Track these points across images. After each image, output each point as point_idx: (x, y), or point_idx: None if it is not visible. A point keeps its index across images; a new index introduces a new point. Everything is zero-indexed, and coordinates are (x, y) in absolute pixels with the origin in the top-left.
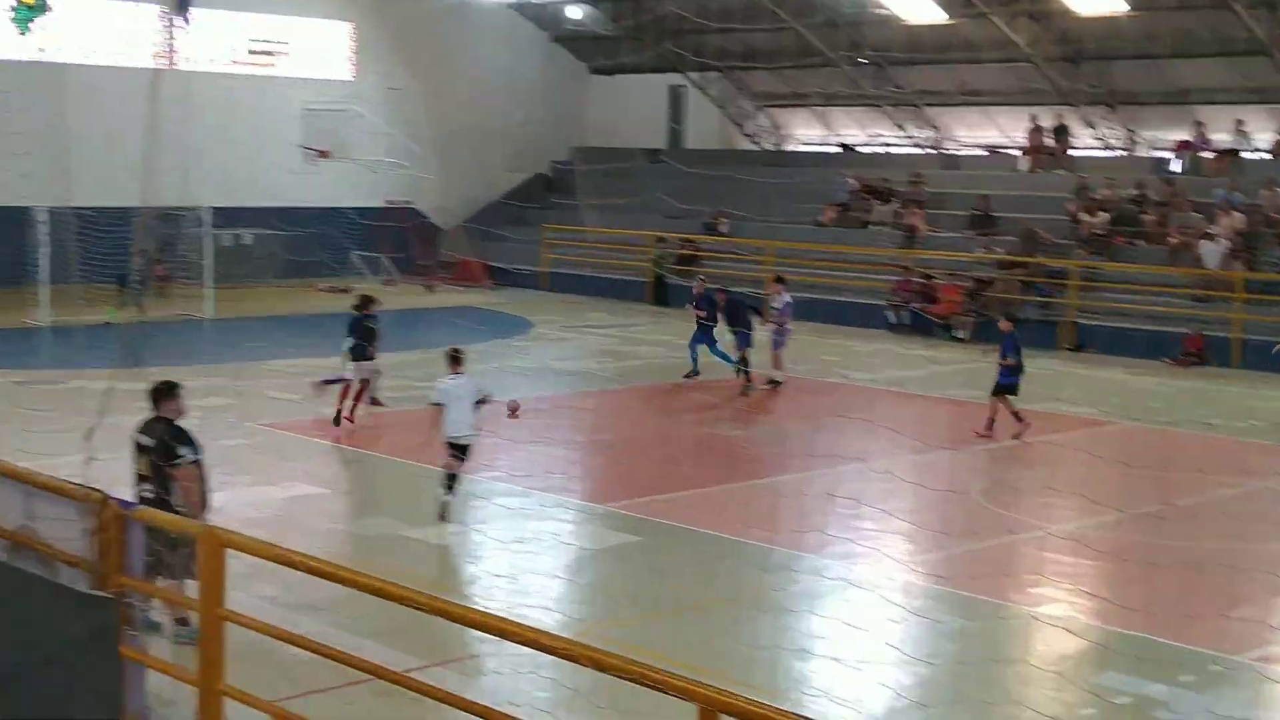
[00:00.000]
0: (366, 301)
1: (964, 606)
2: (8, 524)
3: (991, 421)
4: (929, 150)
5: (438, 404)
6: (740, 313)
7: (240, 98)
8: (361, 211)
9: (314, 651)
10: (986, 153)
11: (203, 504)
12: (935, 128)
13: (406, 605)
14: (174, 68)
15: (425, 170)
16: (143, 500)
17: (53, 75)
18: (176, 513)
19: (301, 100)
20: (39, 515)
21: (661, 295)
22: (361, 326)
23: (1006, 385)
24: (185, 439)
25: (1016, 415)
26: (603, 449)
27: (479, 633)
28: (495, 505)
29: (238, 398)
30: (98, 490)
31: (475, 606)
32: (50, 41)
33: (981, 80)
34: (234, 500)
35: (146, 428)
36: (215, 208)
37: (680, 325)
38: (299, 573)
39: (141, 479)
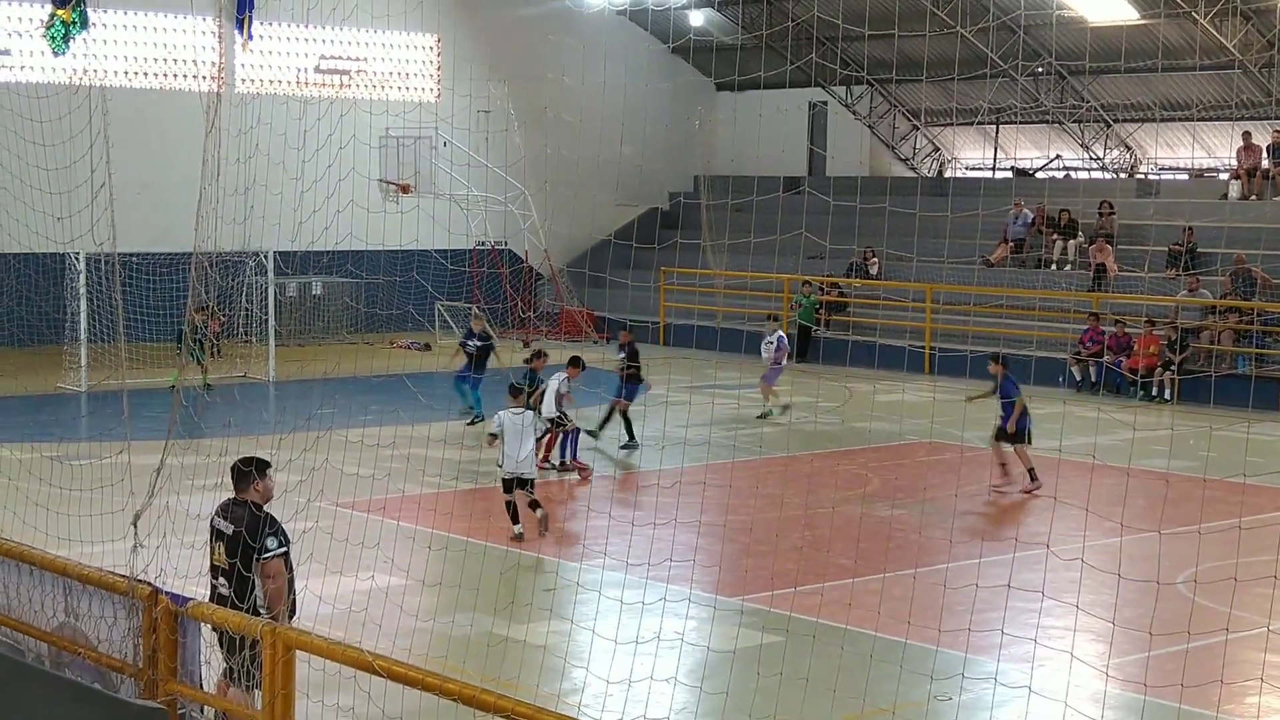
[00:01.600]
0: (537, 355)
1: (1169, 719)
2: (48, 622)
3: (1004, 466)
4: (1120, 175)
5: (493, 435)
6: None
7: (308, 125)
8: (448, 255)
9: None
10: (1189, 177)
11: (289, 606)
12: (1128, 148)
13: (504, 717)
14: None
15: (521, 206)
16: (216, 597)
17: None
18: (256, 612)
19: (379, 127)
20: (82, 612)
21: (805, 349)
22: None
23: (1021, 430)
24: (273, 527)
25: (1004, 467)
26: (734, 532)
27: None
28: (607, 598)
29: (305, 473)
30: (146, 583)
31: (585, 718)
32: (90, 62)
33: (1183, 91)
34: (303, 593)
35: (227, 512)
36: (279, 253)
37: (826, 386)
38: (379, 679)
39: (216, 571)
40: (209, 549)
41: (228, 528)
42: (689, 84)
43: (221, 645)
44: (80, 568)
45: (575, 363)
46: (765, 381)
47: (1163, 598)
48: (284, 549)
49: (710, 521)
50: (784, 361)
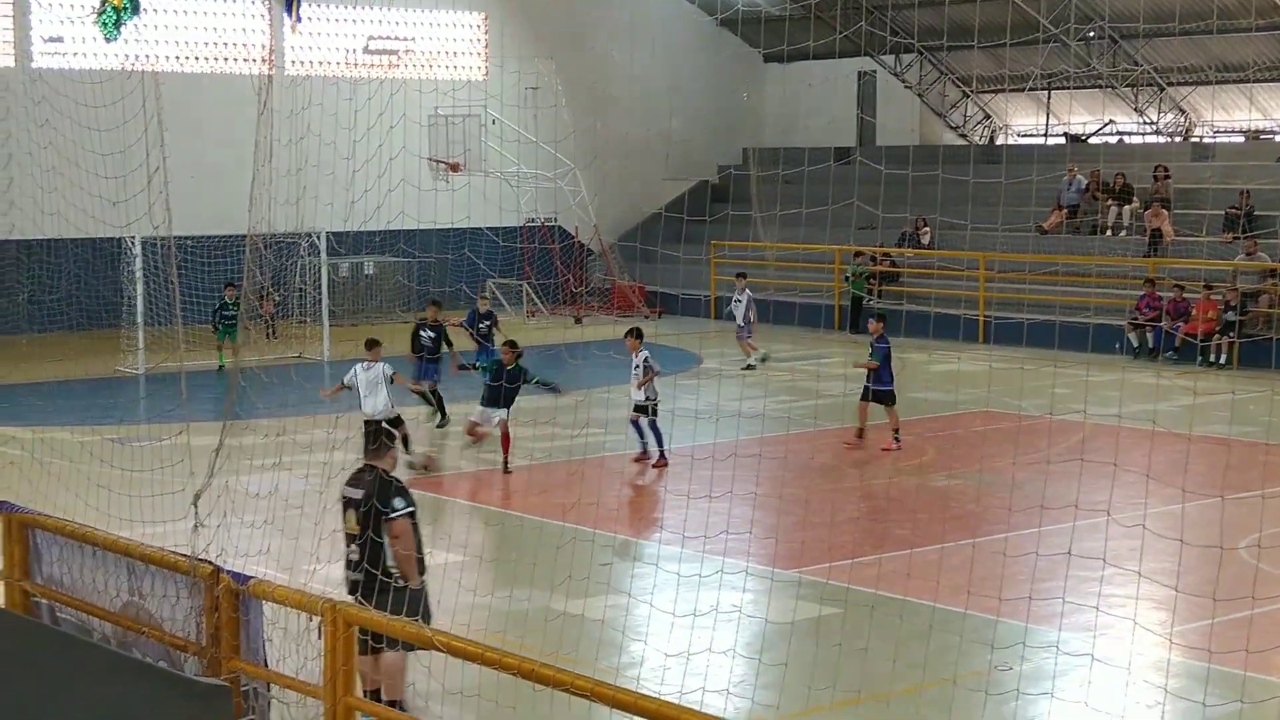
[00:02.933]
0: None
1: (1233, 686)
2: (113, 602)
3: (861, 431)
4: (1175, 139)
5: (346, 385)
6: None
7: (358, 105)
8: (499, 232)
9: None
10: (1245, 139)
11: (418, 564)
12: (1182, 111)
13: (564, 691)
14: (282, 73)
15: (571, 182)
16: (350, 563)
17: (146, 86)
18: (388, 574)
19: (428, 106)
20: (146, 591)
21: (857, 319)
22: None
23: (885, 393)
24: (399, 490)
25: (860, 432)
26: (791, 504)
27: None
28: (665, 572)
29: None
30: (207, 562)
31: (644, 692)
32: (142, 48)
33: (1239, 53)
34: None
35: (355, 479)
36: (332, 233)
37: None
38: (439, 654)
39: (350, 539)
40: (342, 518)
41: (357, 494)
42: (737, 56)
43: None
44: (143, 548)
45: (636, 334)
46: (740, 339)
47: (1225, 564)
48: (410, 509)
49: (766, 494)
50: (754, 318)
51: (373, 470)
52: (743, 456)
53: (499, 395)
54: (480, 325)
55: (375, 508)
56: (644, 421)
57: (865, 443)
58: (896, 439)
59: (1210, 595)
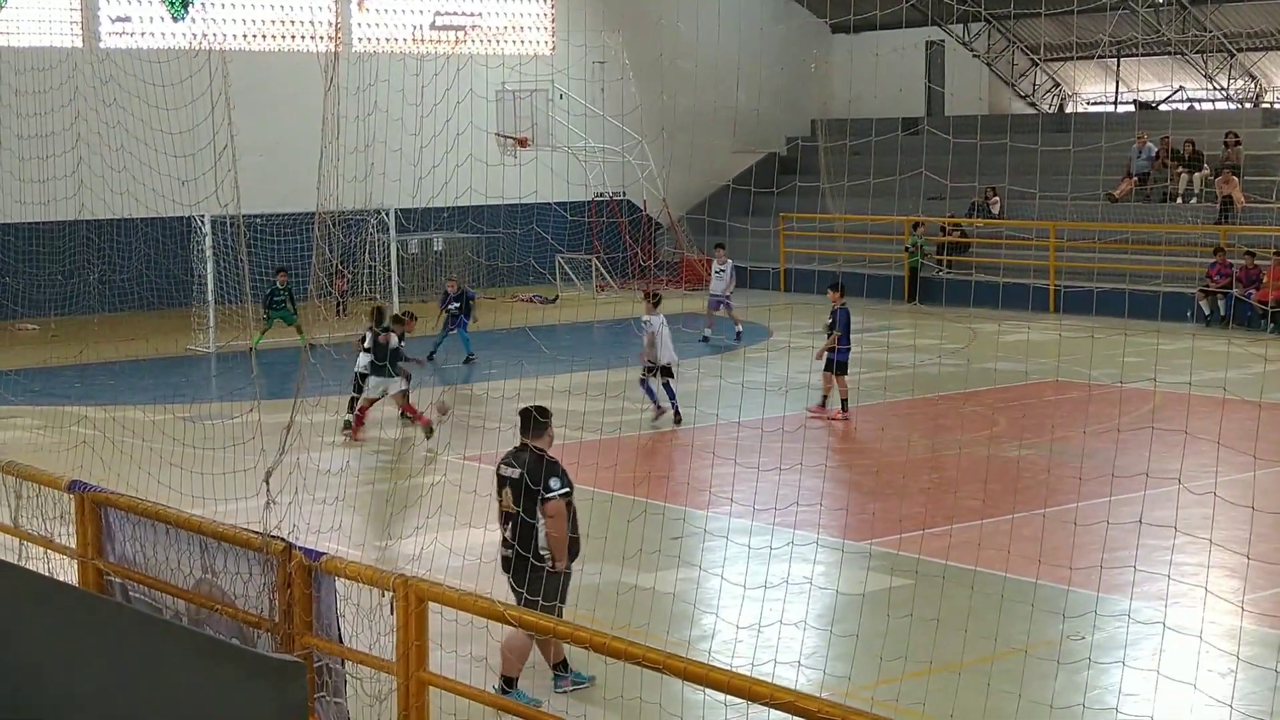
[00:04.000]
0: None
1: None
2: (185, 579)
3: (825, 399)
4: (1245, 105)
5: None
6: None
7: (425, 81)
8: (567, 207)
9: None
10: None
11: (571, 545)
12: (1252, 77)
13: (635, 664)
14: (350, 50)
15: (639, 156)
16: (505, 541)
17: (213, 64)
18: (538, 554)
19: (496, 81)
20: (218, 569)
21: (922, 292)
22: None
23: (840, 362)
24: (556, 470)
25: (844, 402)
26: (861, 476)
27: (721, 695)
28: (735, 544)
29: (435, 427)
30: (279, 539)
31: (715, 664)
32: (209, 26)
33: None
34: (434, 546)
35: (512, 457)
36: (400, 209)
37: (950, 328)
38: (511, 629)
39: (505, 516)
40: (497, 496)
41: (514, 472)
42: (803, 27)
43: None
44: (215, 525)
45: (653, 299)
46: (726, 309)
47: None
48: (566, 490)
49: (836, 465)
50: (732, 287)
51: (530, 449)
52: (812, 429)
53: (383, 369)
54: (451, 306)
55: (530, 486)
56: (654, 383)
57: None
58: (844, 409)
59: None
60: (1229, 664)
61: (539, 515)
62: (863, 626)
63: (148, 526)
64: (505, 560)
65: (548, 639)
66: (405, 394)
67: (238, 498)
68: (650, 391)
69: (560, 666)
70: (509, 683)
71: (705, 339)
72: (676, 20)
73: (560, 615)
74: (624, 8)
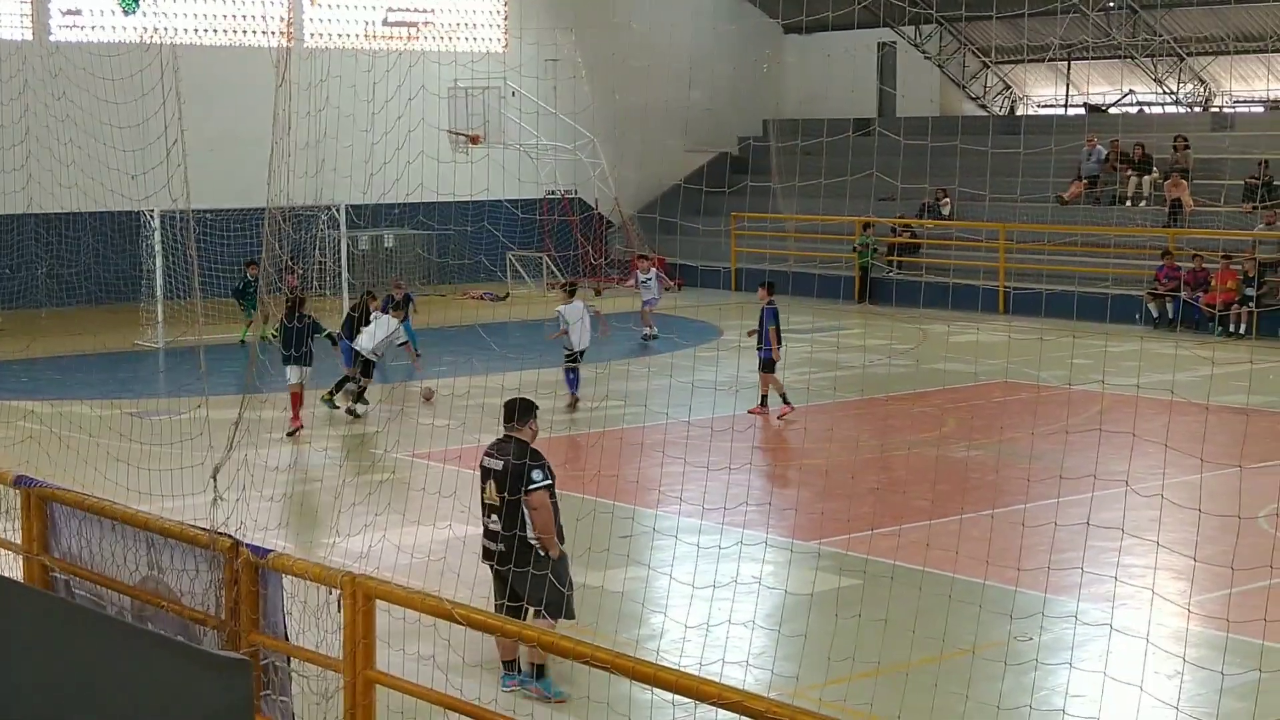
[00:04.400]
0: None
1: (1253, 656)
2: (131, 576)
3: (764, 399)
4: (1195, 109)
5: None
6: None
7: (377, 77)
8: (519, 205)
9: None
10: (1265, 109)
11: (558, 535)
12: (1201, 81)
13: (584, 663)
14: (301, 46)
15: (591, 154)
16: (488, 533)
17: (164, 59)
18: (529, 545)
19: (448, 78)
20: (165, 565)
21: (871, 292)
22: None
23: (765, 360)
24: (539, 462)
25: (784, 397)
26: (810, 475)
27: (669, 694)
28: (684, 544)
29: (382, 425)
30: (227, 535)
31: (663, 664)
32: (160, 20)
33: (1258, 22)
34: (382, 544)
35: (496, 449)
36: (351, 206)
37: (900, 328)
38: (458, 627)
39: (488, 509)
40: (480, 488)
41: (497, 464)
42: (756, 27)
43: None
44: (162, 521)
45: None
46: (647, 307)
47: (1244, 533)
48: (549, 481)
49: (785, 465)
50: (660, 295)
51: (513, 441)
52: (762, 428)
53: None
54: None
55: (514, 478)
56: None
57: (768, 410)
58: (786, 402)
59: (1229, 565)
60: (1175, 666)
61: (524, 507)
62: (811, 626)
63: (94, 522)
64: (487, 551)
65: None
66: (302, 386)
67: (185, 494)
68: (572, 381)
69: (524, 668)
70: (539, 671)
71: (647, 338)
72: (629, 19)
73: (570, 601)
74: (577, 6)
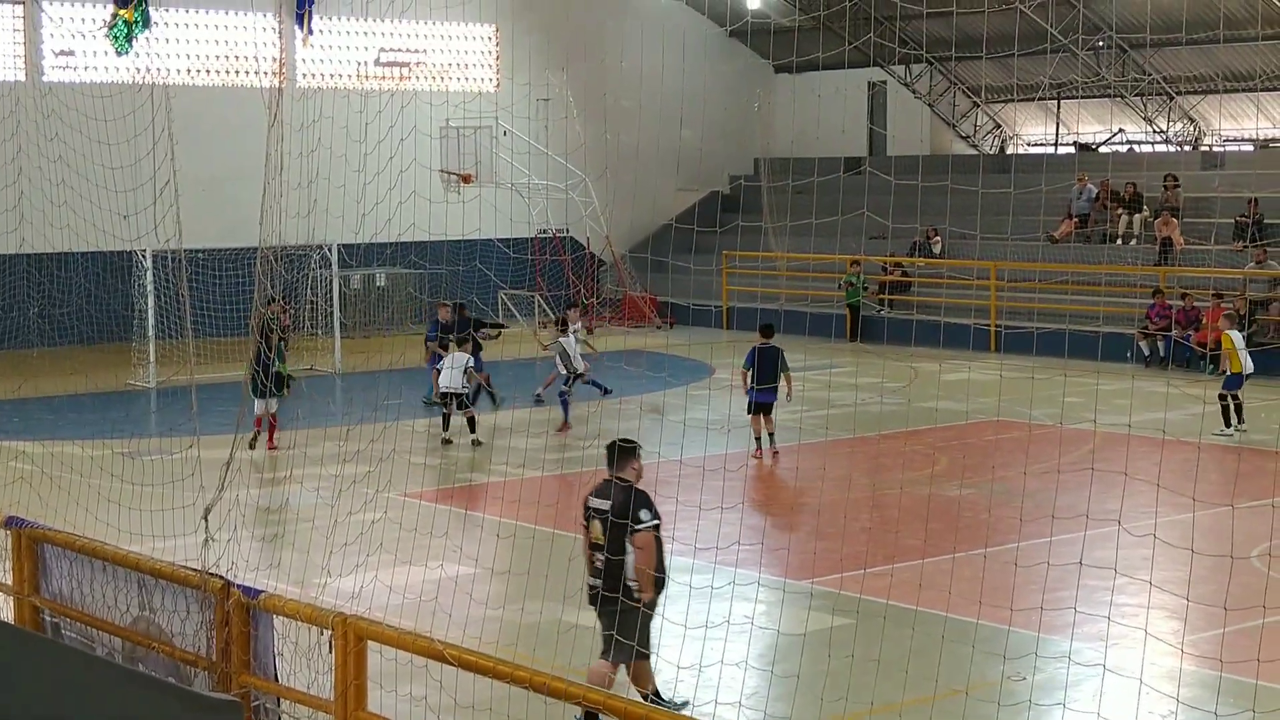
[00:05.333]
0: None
1: (1245, 696)
2: (123, 617)
3: (758, 440)
4: (1184, 148)
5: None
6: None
7: (369, 118)
8: (510, 244)
9: None
10: (1254, 148)
11: (658, 579)
12: (1191, 120)
13: (577, 704)
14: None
15: (582, 193)
16: (593, 570)
17: (157, 99)
18: (628, 586)
19: (440, 118)
20: (156, 606)
21: (863, 330)
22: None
23: (765, 404)
24: (646, 502)
25: (770, 436)
26: (803, 515)
27: None
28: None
29: (374, 464)
30: (218, 576)
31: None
32: (153, 61)
33: (1247, 62)
34: (374, 585)
35: (601, 490)
36: (343, 245)
37: (891, 366)
38: (450, 667)
39: (594, 547)
40: (586, 528)
41: (603, 504)
42: (747, 67)
43: (600, 619)
44: (153, 562)
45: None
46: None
47: (1236, 573)
48: (656, 522)
49: (778, 504)
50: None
51: (619, 482)
52: (754, 467)
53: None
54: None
55: (620, 518)
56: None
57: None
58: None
59: (1221, 604)
60: (1169, 706)
61: (628, 547)
62: (804, 666)
63: (85, 563)
64: (592, 591)
65: (599, 681)
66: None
67: (176, 535)
68: (566, 405)
69: (652, 696)
70: (655, 696)
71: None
72: (620, 59)
73: (647, 649)
74: (568, 46)
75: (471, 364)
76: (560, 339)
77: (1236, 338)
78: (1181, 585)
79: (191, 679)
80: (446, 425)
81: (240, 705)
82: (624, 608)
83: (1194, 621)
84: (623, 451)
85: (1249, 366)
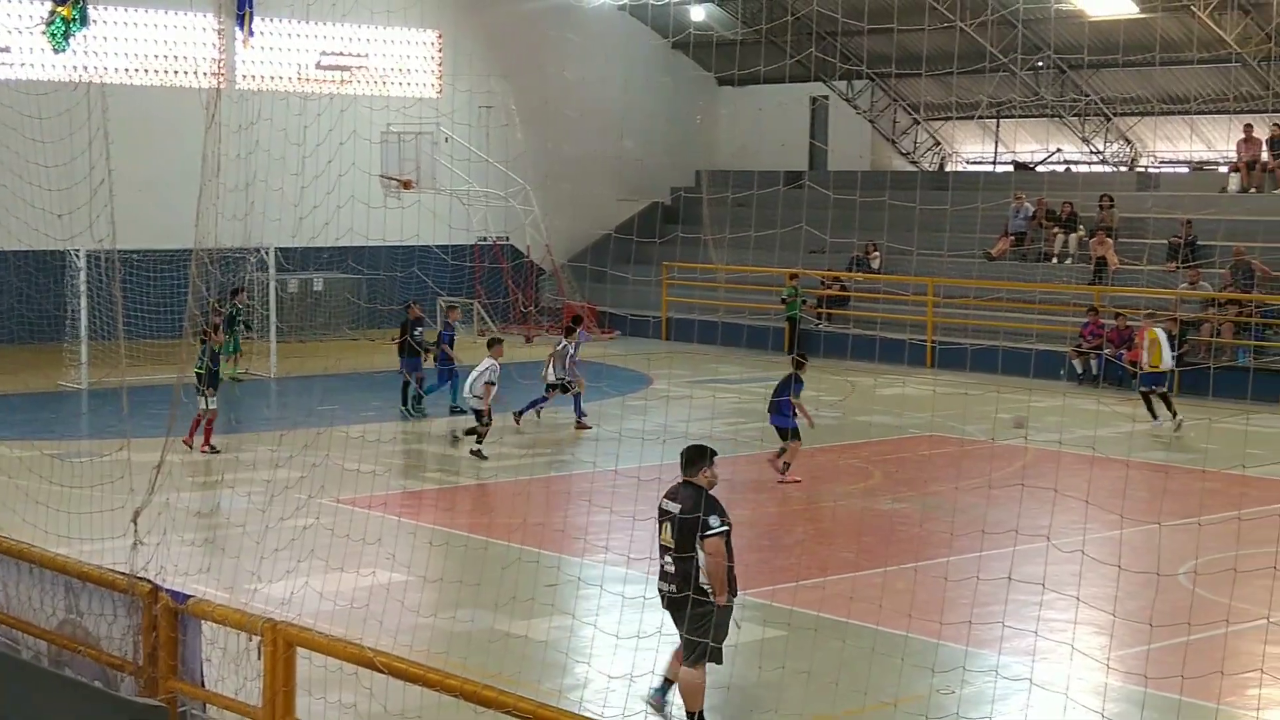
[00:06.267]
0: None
1: (1170, 712)
2: (49, 620)
3: (786, 464)
4: (1120, 168)
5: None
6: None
7: (309, 121)
8: (450, 251)
9: None
10: (1189, 170)
11: (728, 582)
12: (1128, 141)
13: (506, 713)
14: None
15: (523, 201)
16: (663, 574)
17: (93, 98)
18: (700, 589)
19: (381, 122)
20: (84, 610)
21: (800, 343)
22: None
23: (796, 428)
24: (716, 508)
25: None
26: (738, 527)
27: None
28: (609, 593)
29: (307, 470)
30: (146, 580)
31: (587, 714)
32: (90, 59)
33: (1182, 84)
34: (304, 591)
35: (674, 494)
36: (280, 249)
37: (828, 380)
38: (380, 675)
39: (664, 550)
40: (657, 529)
41: (674, 508)
42: (690, 79)
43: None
44: (80, 565)
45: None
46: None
47: (1163, 590)
48: (725, 528)
49: None
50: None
51: (691, 486)
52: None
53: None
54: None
55: (691, 522)
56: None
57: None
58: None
59: (1148, 621)
60: None
61: (698, 551)
62: (735, 678)
63: (11, 565)
64: (666, 596)
65: (692, 688)
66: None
67: (105, 538)
68: (539, 406)
69: (694, 717)
70: (694, 718)
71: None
72: (562, 69)
73: (721, 650)
74: (511, 53)
75: (494, 371)
76: (561, 347)
77: (1161, 334)
78: (1109, 601)
79: (118, 684)
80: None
81: (166, 710)
82: (698, 611)
83: (1121, 637)
84: (696, 456)
85: (1168, 363)
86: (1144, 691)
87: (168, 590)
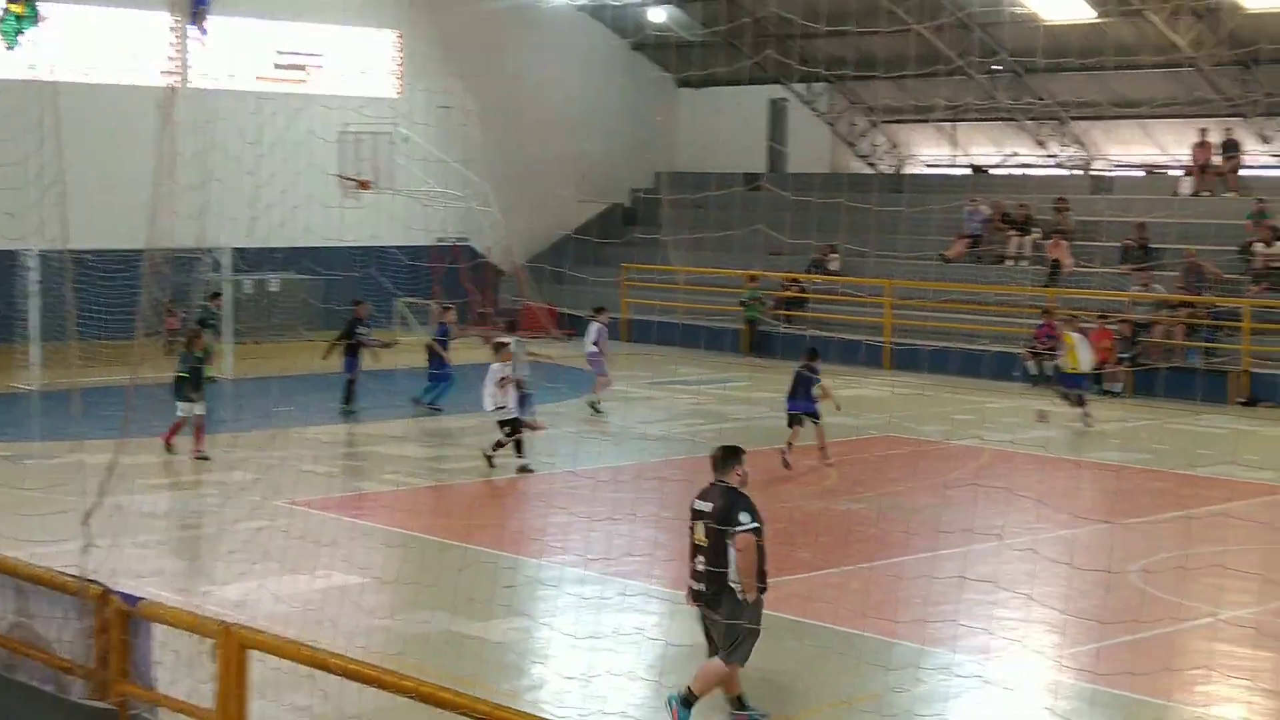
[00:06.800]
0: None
1: (1121, 708)
2: (0, 624)
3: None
4: (1075, 171)
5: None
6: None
7: (266, 120)
8: (408, 251)
9: None
10: (1143, 173)
11: (760, 579)
12: (1082, 145)
13: (462, 714)
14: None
15: (482, 202)
16: (695, 574)
17: (46, 96)
18: (730, 587)
19: (338, 122)
20: (34, 613)
21: (759, 345)
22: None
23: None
24: (747, 506)
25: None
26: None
27: None
28: (566, 594)
29: (262, 471)
30: (97, 583)
31: (544, 716)
32: (43, 56)
33: (1137, 89)
34: (259, 593)
35: (706, 494)
36: (236, 249)
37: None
38: (336, 677)
39: (696, 549)
40: (690, 529)
41: (706, 506)
42: (650, 80)
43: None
44: (30, 568)
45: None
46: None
47: (1114, 588)
48: (756, 525)
49: (670, 517)
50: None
51: (722, 485)
52: (647, 479)
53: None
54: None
55: (722, 520)
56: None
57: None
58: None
59: (1098, 619)
60: (1046, 718)
61: (729, 548)
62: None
63: None
64: (697, 594)
65: (711, 678)
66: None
67: (57, 540)
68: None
69: (736, 701)
70: (738, 703)
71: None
72: (522, 69)
73: (753, 643)
74: (471, 54)
75: (500, 369)
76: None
77: (1078, 338)
78: (1061, 600)
79: (69, 687)
80: (520, 450)
81: (117, 714)
82: (730, 608)
83: (1073, 635)
84: (728, 456)
85: (1085, 365)
86: (1094, 688)
87: (119, 593)
